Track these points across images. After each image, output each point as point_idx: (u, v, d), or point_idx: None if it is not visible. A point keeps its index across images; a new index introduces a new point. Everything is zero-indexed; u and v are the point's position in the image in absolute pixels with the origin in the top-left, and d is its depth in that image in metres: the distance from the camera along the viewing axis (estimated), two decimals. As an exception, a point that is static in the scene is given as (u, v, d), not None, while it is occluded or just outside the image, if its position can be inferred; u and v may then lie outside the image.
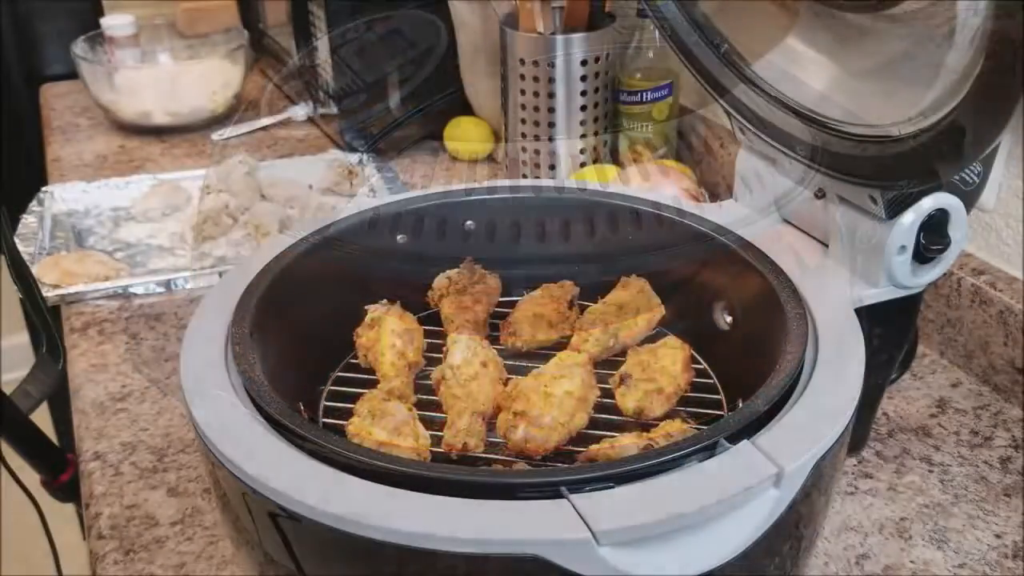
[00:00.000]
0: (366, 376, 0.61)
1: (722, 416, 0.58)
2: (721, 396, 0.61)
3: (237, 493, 0.45)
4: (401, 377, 0.59)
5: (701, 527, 0.41)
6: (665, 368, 0.58)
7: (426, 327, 0.65)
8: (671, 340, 0.62)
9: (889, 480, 0.65)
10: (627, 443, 0.50)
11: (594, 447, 0.51)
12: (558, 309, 0.65)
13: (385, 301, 0.65)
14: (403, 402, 0.56)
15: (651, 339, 0.64)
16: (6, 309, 1.84)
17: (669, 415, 0.57)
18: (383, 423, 0.53)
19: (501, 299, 0.70)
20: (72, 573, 1.24)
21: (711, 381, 0.62)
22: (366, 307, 0.64)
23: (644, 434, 0.52)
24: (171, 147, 1.30)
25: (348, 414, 0.56)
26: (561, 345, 0.64)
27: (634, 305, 0.64)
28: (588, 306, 0.66)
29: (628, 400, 0.57)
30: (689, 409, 0.59)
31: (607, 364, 0.62)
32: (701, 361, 0.63)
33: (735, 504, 0.41)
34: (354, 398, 0.57)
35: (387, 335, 0.61)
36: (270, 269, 0.59)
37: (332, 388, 0.62)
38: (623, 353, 0.62)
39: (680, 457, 0.43)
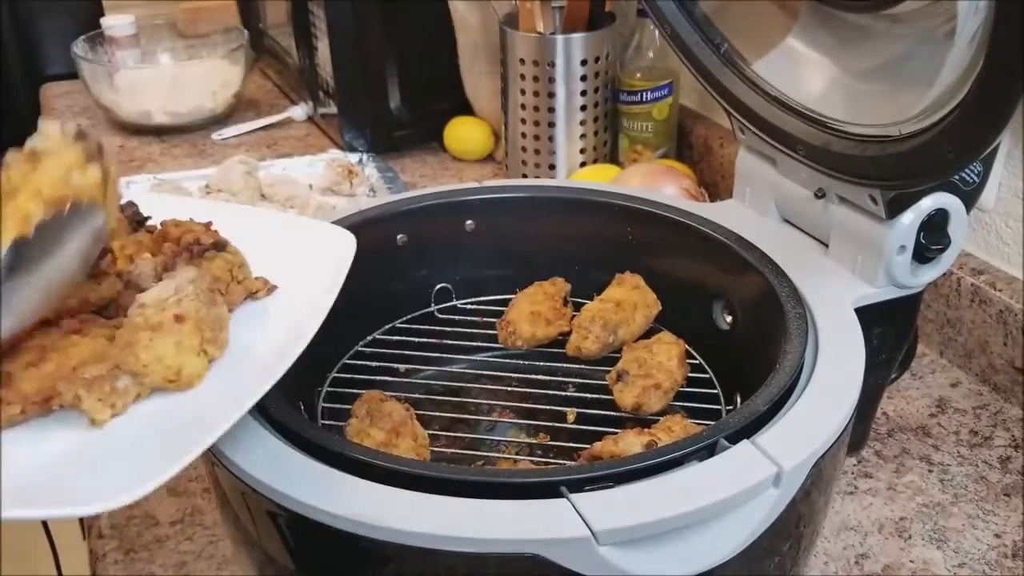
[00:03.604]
0: (365, 377, 0.61)
1: (719, 410, 0.58)
2: (718, 390, 0.61)
3: (237, 492, 0.45)
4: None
5: (701, 526, 0.42)
6: (661, 364, 0.58)
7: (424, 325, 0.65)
8: (666, 336, 0.62)
9: (889, 480, 0.65)
10: (630, 439, 0.50)
11: (597, 444, 0.51)
12: (554, 306, 0.65)
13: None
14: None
15: (645, 335, 0.64)
16: (6, 309, 1.84)
17: (666, 410, 0.58)
18: (382, 423, 0.53)
19: (496, 296, 0.70)
20: (72, 573, 1.24)
21: (707, 375, 0.62)
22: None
23: (646, 430, 0.52)
24: (171, 147, 1.30)
25: (346, 414, 0.56)
26: (559, 342, 0.64)
27: (631, 301, 0.64)
28: (583, 303, 0.66)
29: (626, 396, 0.57)
30: (686, 404, 0.59)
31: (603, 361, 0.62)
32: (696, 356, 0.63)
33: (735, 503, 0.41)
34: (352, 399, 0.57)
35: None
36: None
37: (329, 389, 0.62)
38: (618, 349, 0.62)
39: (680, 457, 0.43)
